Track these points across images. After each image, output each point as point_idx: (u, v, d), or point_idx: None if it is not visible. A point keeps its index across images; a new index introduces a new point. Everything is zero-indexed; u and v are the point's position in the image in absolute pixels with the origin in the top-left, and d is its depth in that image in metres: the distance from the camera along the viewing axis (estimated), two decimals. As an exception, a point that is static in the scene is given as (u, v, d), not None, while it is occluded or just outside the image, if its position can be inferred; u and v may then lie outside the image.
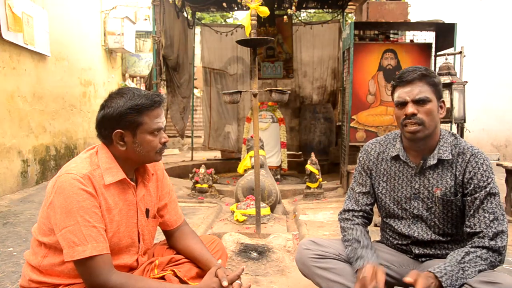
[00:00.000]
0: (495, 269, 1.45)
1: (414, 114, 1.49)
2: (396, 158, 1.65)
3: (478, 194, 1.48)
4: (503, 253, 1.44)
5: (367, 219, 1.74)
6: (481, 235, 1.44)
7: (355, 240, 1.61)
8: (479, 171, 1.49)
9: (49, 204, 1.30)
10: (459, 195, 1.53)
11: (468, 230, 1.49)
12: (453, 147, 1.56)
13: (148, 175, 1.51)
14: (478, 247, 1.43)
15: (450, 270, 1.36)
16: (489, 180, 1.47)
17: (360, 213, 1.72)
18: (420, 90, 1.49)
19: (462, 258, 1.40)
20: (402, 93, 1.53)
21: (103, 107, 1.37)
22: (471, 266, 1.38)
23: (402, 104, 1.53)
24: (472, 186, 1.49)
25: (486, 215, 1.45)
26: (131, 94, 1.35)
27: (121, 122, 1.34)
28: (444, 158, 1.54)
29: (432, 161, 1.56)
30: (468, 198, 1.50)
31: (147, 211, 1.50)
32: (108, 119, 1.34)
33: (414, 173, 1.60)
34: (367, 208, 1.72)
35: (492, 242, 1.42)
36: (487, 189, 1.47)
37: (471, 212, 1.49)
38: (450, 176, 1.54)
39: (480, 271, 1.39)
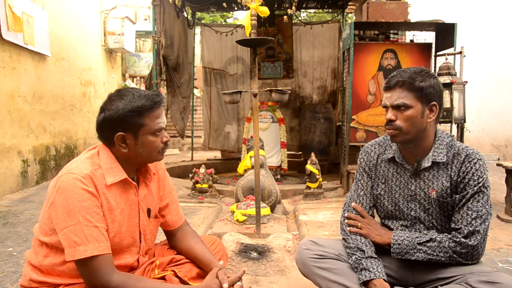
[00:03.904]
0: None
1: (391, 120, 1.54)
2: (393, 160, 1.66)
3: (465, 192, 1.50)
4: (474, 253, 1.46)
5: None
6: (459, 231, 1.48)
7: (358, 249, 1.61)
8: (471, 170, 1.50)
9: (51, 204, 1.30)
10: (454, 196, 1.54)
11: (452, 225, 1.52)
12: (449, 148, 1.56)
13: (149, 175, 1.51)
14: (450, 239, 1.48)
15: (406, 244, 1.51)
16: (480, 180, 1.49)
17: None
18: (399, 96, 1.52)
19: (425, 242, 1.50)
20: (385, 98, 1.58)
21: (103, 109, 1.36)
22: (426, 251, 1.49)
23: (385, 108, 1.58)
24: (463, 185, 1.51)
25: (469, 212, 1.48)
26: (131, 96, 1.35)
27: (122, 124, 1.33)
28: (439, 160, 1.55)
29: (426, 163, 1.57)
30: (457, 196, 1.52)
31: (148, 211, 1.50)
32: (109, 122, 1.34)
33: (410, 175, 1.61)
34: (370, 210, 1.73)
35: (463, 240, 1.46)
36: (476, 188, 1.48)
37: (456, 209, 1.52)
38: (445, 177, 1.55)
39: (431, 259, 1.48)
